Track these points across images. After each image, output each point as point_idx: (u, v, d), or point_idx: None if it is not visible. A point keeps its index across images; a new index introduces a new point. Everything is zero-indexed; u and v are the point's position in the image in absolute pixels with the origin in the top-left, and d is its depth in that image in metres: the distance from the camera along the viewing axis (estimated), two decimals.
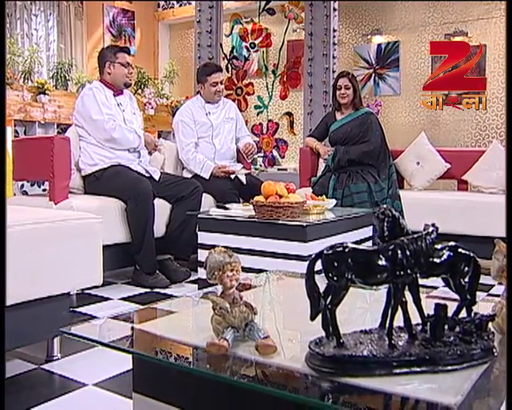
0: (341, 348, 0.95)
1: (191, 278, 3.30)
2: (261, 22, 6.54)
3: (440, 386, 0.89)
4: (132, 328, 1.23)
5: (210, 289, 1.47)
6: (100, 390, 1.76)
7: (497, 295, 1.34)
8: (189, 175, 3.90)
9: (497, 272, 1.15)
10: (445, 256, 1.01)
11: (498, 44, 5.56)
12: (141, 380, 1.19)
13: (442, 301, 1.02)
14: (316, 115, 5.31)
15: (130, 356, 1.16)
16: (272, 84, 6.58)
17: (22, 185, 5.22)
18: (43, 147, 3.11)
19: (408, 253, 0.96)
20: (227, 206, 3.11)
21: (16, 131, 5.32)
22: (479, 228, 3.56)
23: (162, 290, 3.15)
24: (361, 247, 0.98)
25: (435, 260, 1.00)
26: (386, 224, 1.00)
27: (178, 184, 3.51)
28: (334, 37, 5.46)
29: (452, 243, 1.04)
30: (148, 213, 3.22)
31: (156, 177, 3.46)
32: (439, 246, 1.02)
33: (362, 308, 1.40)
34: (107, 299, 2.94)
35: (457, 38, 5.76)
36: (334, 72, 5.38)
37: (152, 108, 6.57)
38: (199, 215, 3.03)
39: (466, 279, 1.03)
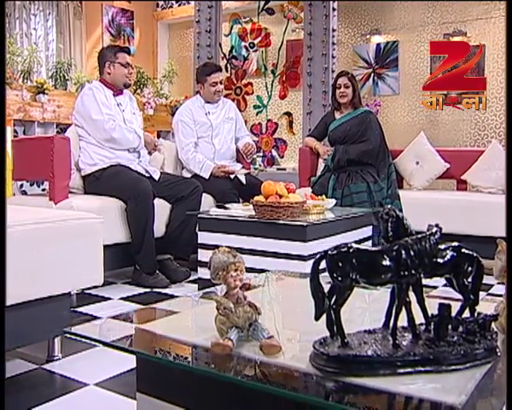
0: (346, 348, 0.95)
1: (191, 278, 3.30)
2: (260, 22, 6.54)
3: (444, 386, 0.90)
4: (135, 328, 1.23)
5: (210, 288, 1.47)
6: (101, 390, 1.76)
7: (498, 295, 1.35)
8: (189, 175, 3.90)
9: (499, 271, 1.16)
10: (448, 256, 1.02)
11: (497, 44, 5.57)
12: (144, 380, 1.19)
13: (442, 301, 1.03)
14: (315, 115, 5.31)
15: (131, 356, 1.16)
16: (271, 84, 6.58)
17: (21, 185, 5.21)
18: (43, 147, 3.10)
19: (412, 253, 0.96)
20: (227, 206, 3.11)
21: (15, 131, 5.31)
22: (478, 228, 3.56)
23: (162, 290, 3.15)
24: (365, 247, 0.98)
25: (439, 260, 1.01)
26: (390, 224, 1.00)
27: (178, 184, 3.51)
28: (333, 36, 5.47)
29: (456, 244, 1.04)
30: (148, 213, 3.22)
31: (156, 177, 3.46)
32: (442, 246, 1.02)
33: (361, 308, 1.40)
34: (107, 299, 2.94)
35: (456, 38, 5.76)
36: (333, 71, 5.39)
37: (151, 107, 6.57)
38: (199, 215, 3.03)
39: (469, 279, 1.04)
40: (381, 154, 4.11)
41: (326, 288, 0.98)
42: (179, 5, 7.66)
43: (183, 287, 3.24)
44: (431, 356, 0.95)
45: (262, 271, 2.04)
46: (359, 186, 3.86)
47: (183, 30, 7.80)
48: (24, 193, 5.18)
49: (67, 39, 6.72)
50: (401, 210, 3.81)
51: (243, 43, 6.62)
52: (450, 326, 1.01)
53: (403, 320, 1.00)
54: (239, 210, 3.00)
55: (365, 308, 1.42)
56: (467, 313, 1.06)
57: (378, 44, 6.29)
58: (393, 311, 0.99)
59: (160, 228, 3.37)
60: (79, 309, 2.71)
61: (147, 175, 3.41)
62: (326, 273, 0.97)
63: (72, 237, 1.93)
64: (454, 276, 1.03)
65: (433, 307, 1.03)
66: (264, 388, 0.92)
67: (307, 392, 0.94)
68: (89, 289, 2.91)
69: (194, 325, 1.36)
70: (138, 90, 6.61)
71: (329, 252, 0.95)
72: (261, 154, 6.49)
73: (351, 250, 0.95)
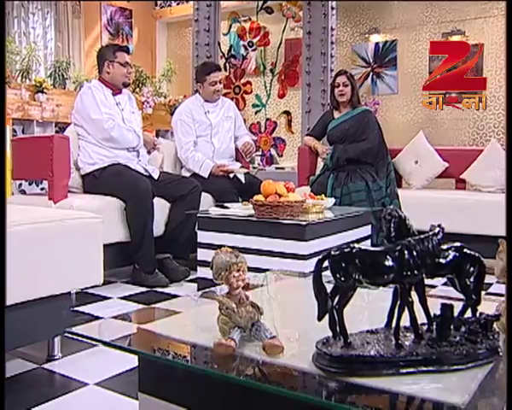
0: (349, 348, 0.95)
1: (190, 277, 3.30)
2: (259, 21, 6.54)
3: (447, 386, 0.90)
4: (137, 328, 1.23)
5: (210, 288, 1.47)
6: (101, 390, 1.76)
7: (497, 294, 1.35)
8: (188, 174, 3.90)
9: (500, 271, 1.16)
10: (450, 257, 1.02)
11: (496, 43, 5.58)
12: (147, 380, 1.19)
13: (444, 301, 1.03)
14: (314, 114, 5.31)
15: (131, 356, 1.16)
16: (270, 83, 6.59)
17: (20, 184, 5.20)
18: (42, 146, 3.10)
19: (415, 253, 0.97)
20: (226, 205, 3.11)
21: (14, 130, 5.30)
22: (477, 227, 3.57)
23: (161, 289, 3.15)
24: (368, 248, 0.98)
25: (441, 260, 1.01)
26: (392, 224, 1.00)
27: (177, 183, 3.50)
28: (332, 35, 5.47)
29: (458, 244, 1.05)
30: (148, 212, 3.21)
31: (155, 176, 3.46)
32: (444, 246, 1.03)
33: (360, 308, 1.40)
34: (106, 298, 2.93)
35: (455, 37, 5.77)
36: (332, 70, 5.39)
37: (150, 106, 6.56)
38: (198, 214, 3.03)
39: (471, 280, 1.04)
40: (380, 153, 4.11)
41: (327, 287, 0.98)
42: (178, 4, 7.65)
43: (183, 286, 3.24)
44: (433, 356, 0.95)
45: (261, 270, 2.03)
46: (358, 185, 3.86)
47: (182, 29, 7.80)
48: (23, 192, 5.17)
49: (66, 38, 6.72)
50: (400, 209, 3.81)
51: (242, 42, 6.62)
52: (452, 326, 1.01)
53: (405, 320, 1.00)
54: (238, 209, 3.00)
55: (364, 308, 1.42)
56: (469, 313, 1.06)
57: (377, 43, 6.29)
58: (396, 311, 1.00)
59: (159, 227, 3.36)
60: (79, 309, 2.71)
61: (146, 174, 3.40)
62: (326, 273, 0.97)
63: (71, 236, 1.92)
64: (456, 276, 1.04)
65: (434, 307, 1.03)
66: (267, 388, 0.92)
67: (310, 392, 0.94)
68: (89, 288, 2.91)
69: (196, 324, 1.36)
70: (137, 89, 6.61)
71: (332, 252, 0.95)
72: (260, 153, 6.49)
73: (354, 251, 0.95)
